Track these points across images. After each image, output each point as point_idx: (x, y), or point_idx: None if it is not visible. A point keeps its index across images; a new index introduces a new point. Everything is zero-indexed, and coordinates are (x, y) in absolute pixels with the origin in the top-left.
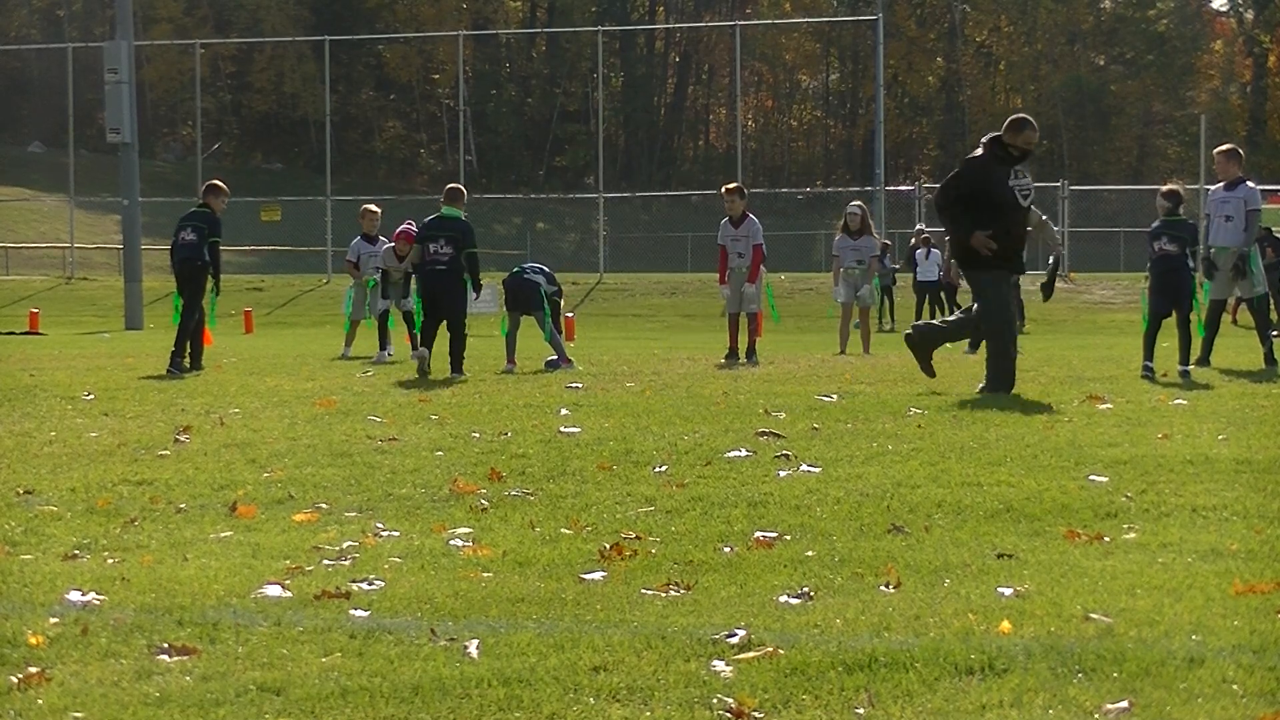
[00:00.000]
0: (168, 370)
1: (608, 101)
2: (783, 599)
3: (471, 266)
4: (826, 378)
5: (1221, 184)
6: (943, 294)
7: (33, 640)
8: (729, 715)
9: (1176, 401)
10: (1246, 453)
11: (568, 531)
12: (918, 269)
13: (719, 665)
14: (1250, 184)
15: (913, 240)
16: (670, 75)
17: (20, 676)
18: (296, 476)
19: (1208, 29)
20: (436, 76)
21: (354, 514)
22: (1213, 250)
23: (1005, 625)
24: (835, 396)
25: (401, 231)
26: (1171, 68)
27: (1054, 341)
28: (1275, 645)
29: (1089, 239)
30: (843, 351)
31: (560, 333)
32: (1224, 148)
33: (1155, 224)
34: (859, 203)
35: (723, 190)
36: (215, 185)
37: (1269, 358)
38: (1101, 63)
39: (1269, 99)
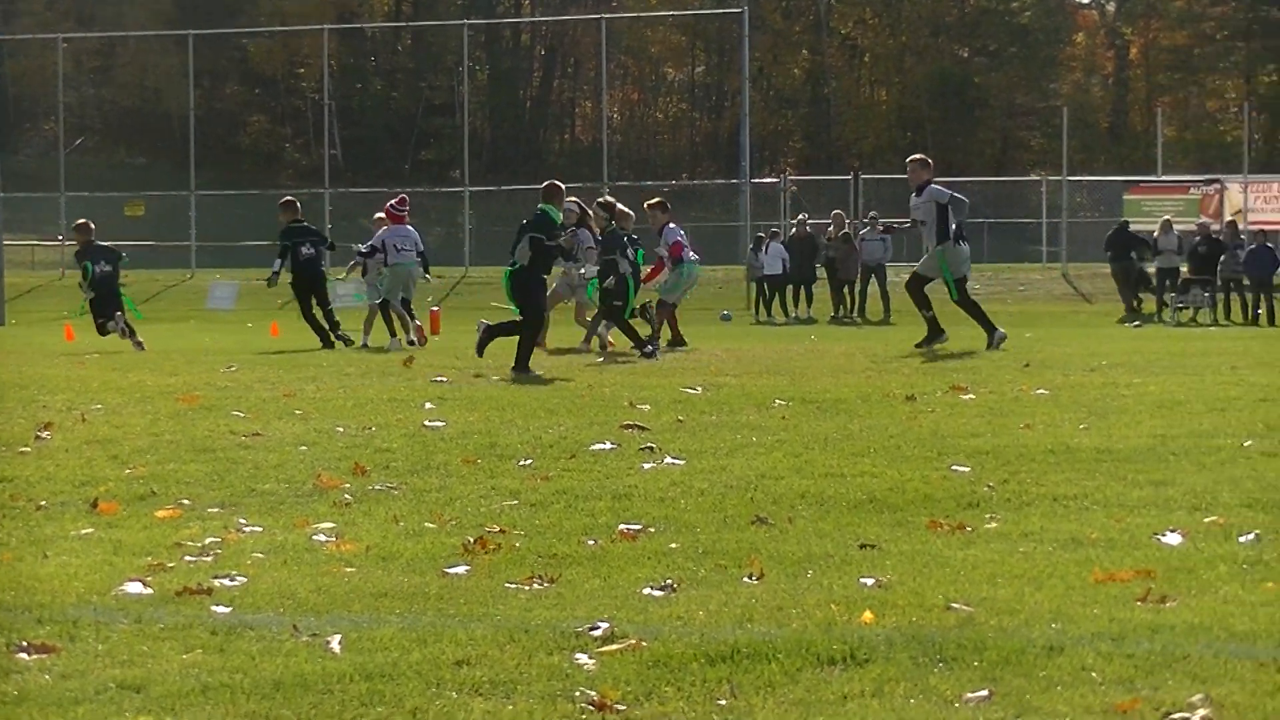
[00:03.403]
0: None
1: (474, 95)
2: (646, 591)
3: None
4: (691, 370)
5: (914, 192)
6: (790, 286)
7: None
8: (591, 708)
9: (1039, 391)
10: (1107, 442)
11: (432, 526)
12: (763, 263)
13: (582, 658)
14: (935, 184)
15: (761, 234)
16: (536, 69)
17: None
18: (159, 473)
19: (1070, 21)
20: (302, 70)
21: (217, 510)
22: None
23: (868, 615)
24: (700, 389)
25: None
26: (1035, 59)
27: (918, 332)
28: (1134, 633)
29: None
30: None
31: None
32: (913, 157)
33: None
34: (575, 199)
35: (645, 206)
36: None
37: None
38: (966, 55)
39: (1130, 90)
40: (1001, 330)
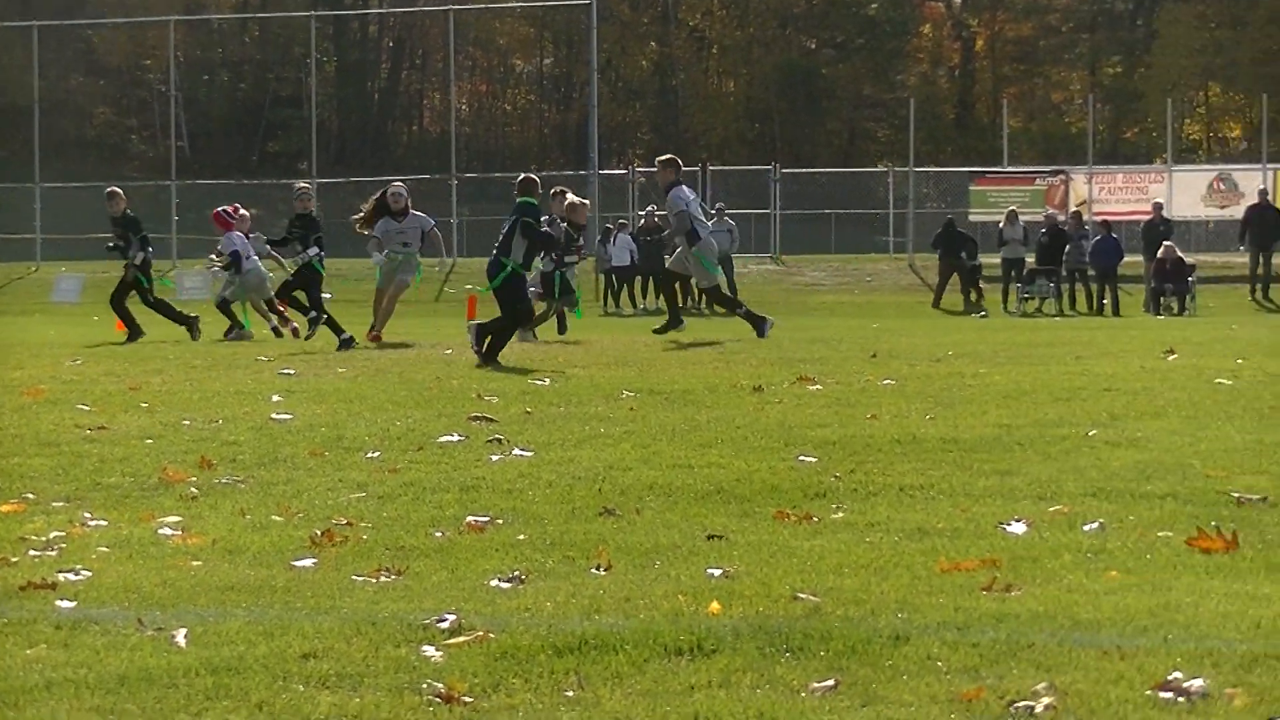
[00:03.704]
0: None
1: (321, 87)
2: (494, 583)
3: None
4: (539, 362)
5: (664, 191)
6: (638, 278)
7: None
8: (439, 700)
9: (885, 382)
10: (953, 432)
11: (278, 518)
12: (611, 254)
13: (429, 650)
14: (681, 188)
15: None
16: (384, 60)
17: None
18: (2, 467)
19: (917, 13)
20: (148, 62)
21: (61, 504)
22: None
23: (714, 606)
24: (548, 380)
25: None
26: (882, 51)
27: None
28: (979, 622)
29: (800, 221)
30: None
31: None
32: (661, 158)
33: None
34: (401, 185)
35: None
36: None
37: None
38: (813, 46)
39: (976, 82)
40: (771, 319)
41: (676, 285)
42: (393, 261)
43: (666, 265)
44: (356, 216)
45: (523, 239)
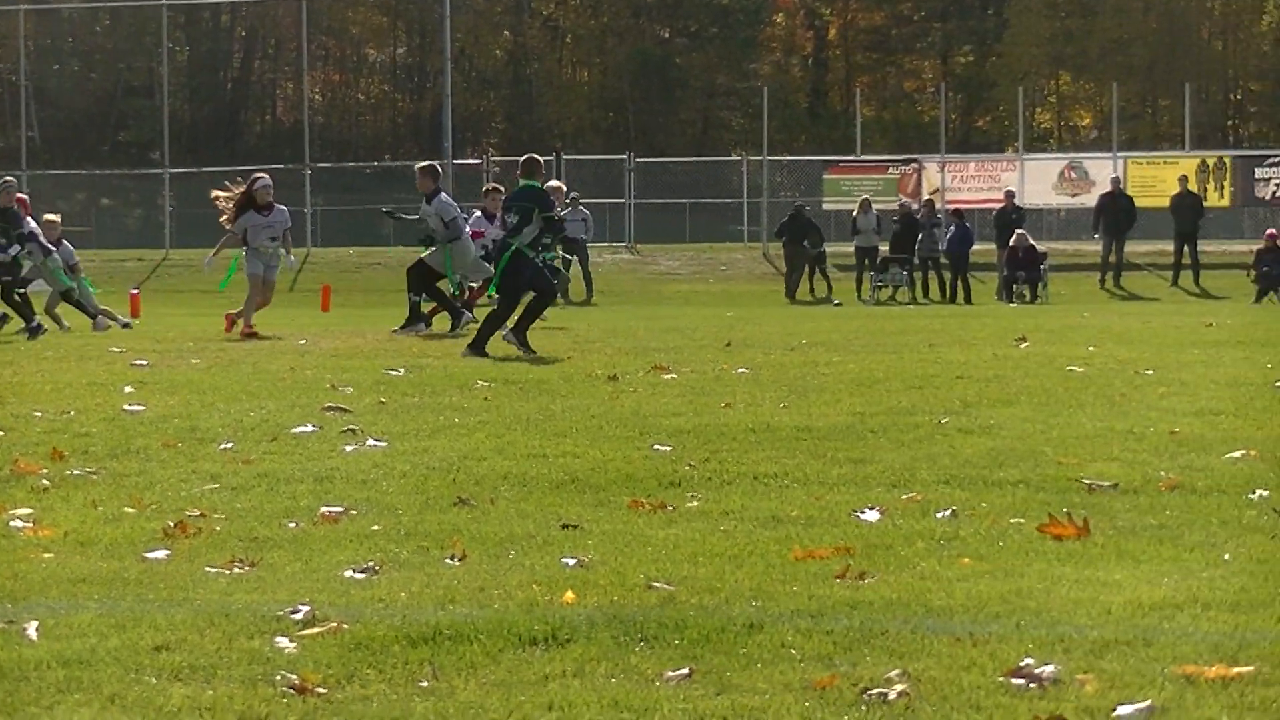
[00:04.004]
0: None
1: (173, 76)
2: (348, 574)
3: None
4: (394, 352)
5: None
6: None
7: None
8: (292, 692)
9: (739, 370)
10: (807, 420)
11: (131, 510)
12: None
13: (283, 642)
14: (443, 195)
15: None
16: (237, 50)
17: None
18: None
19: (770, 2)
20: None
21: None
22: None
23: (569, 595)
24: (402, 370)
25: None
26: (735, 40)
27: (620, 312)
28: (833, 609)
29: (655, 210)
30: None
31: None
32: (420, 165)
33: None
34: (267, 177)
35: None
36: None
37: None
38: (666, 35)
39: (830, 71)
40: (469, 314)
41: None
42: (264, 255)
43: (422, 257)
44: (224, 203)
45: (535, 227)
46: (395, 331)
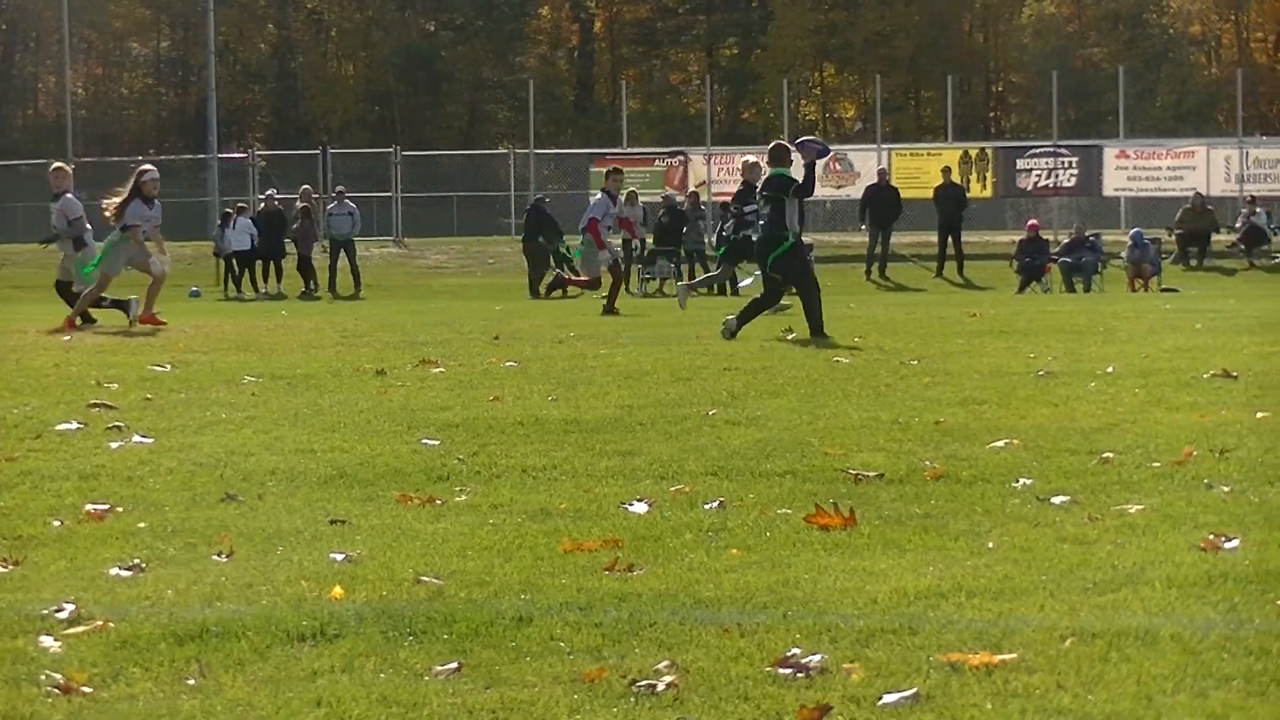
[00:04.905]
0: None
1: None
2: (114, 572)
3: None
4: (160, 348)
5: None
6: (259, 262)
7: None
8: (57, 691)
9: (508, 364)
10: (575, 413)
11: None
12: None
13: (47, 641)
14: (69, 196)
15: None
16: None
17: None
18: None
19: None
20: None
21: None
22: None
23: (338, 591)
24: (169, 366)
25: None
26: (500, 33)
27: (387, 306)
28: (602, 602)
29: (422, 204)
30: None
31: None
32: (54, 166)
33: None
34: (154, 170)
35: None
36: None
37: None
38: (432, 29)
39: (596, 63)
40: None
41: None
42: (134, 247)
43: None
44: (109, 203)
45: (794, 210)
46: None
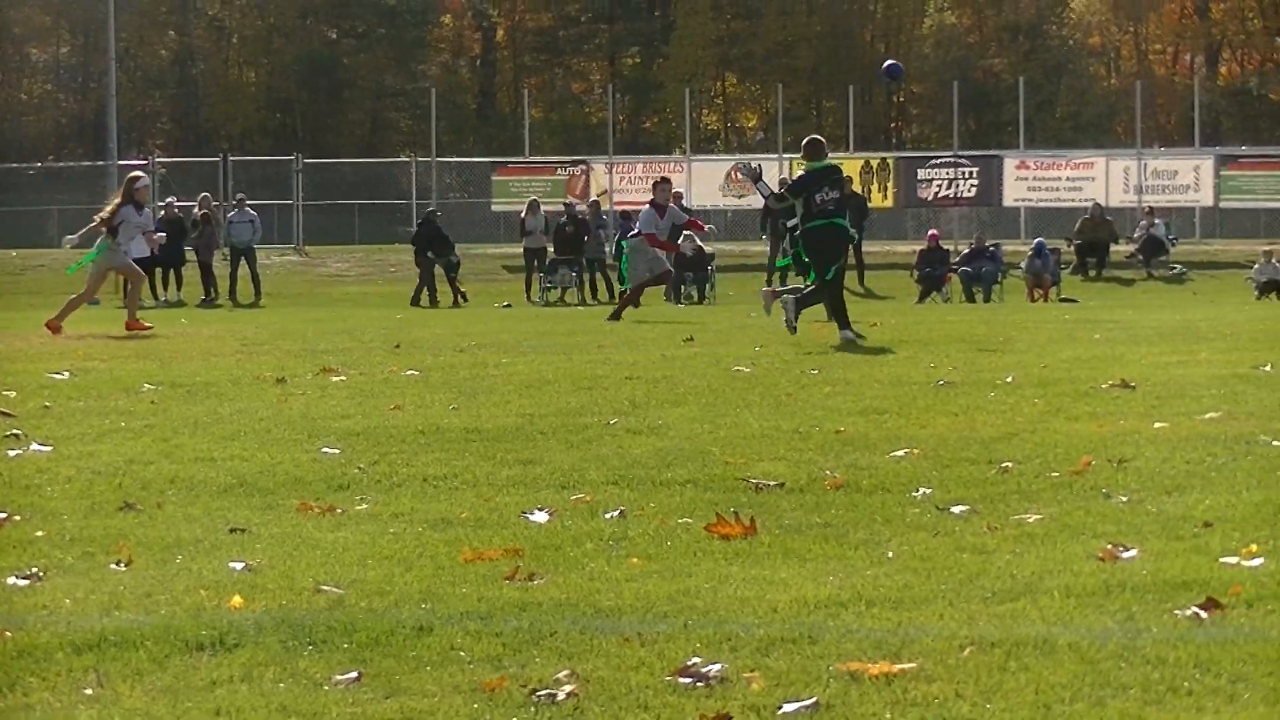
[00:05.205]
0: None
1: None
2: (11, 581)
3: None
4: (58, 355)
5: None
6: (159, 269)
7: None
8: None
9: (409, 372)
10: (476, 422)
11: None
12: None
13: None
14: None
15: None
16: None
17: None
18: None
19: (437, 3)
20: None
21: None
22: None
23: (237, 600)
24: (67, 374)
25: None
26: (403, 41)
27: (288, 315)
28: (502, 611)
29: (324, 212)
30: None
31: None
32: None
33: None
34: (146, 177)
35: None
36: None
37: None
38: (334, 36)
39: (498, 72)
40: None
41: None
42: (118, 252)
43: None
44: (103, 215)
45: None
46: None
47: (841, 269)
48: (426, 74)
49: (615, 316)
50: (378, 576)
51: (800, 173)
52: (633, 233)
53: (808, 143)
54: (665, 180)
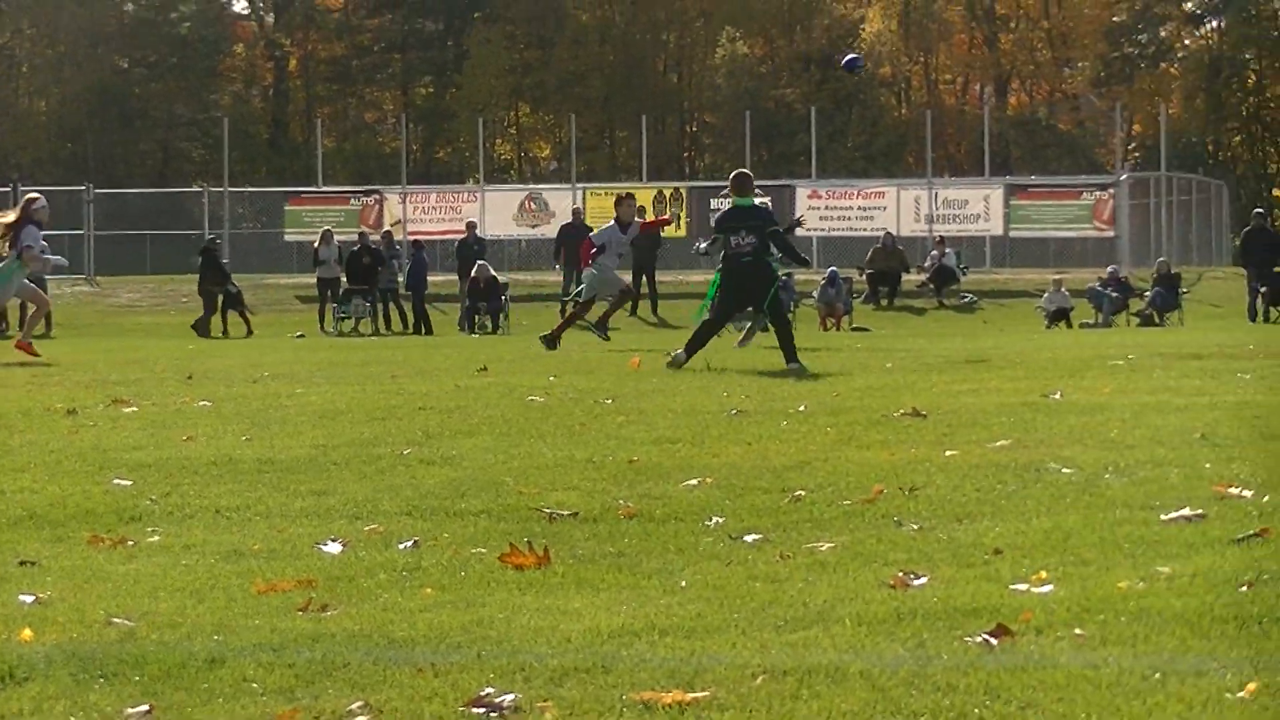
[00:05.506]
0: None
1: None
2: None
3: (783, 246)
4: None
5: None
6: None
7: None
8: None
9: (201, 403)
10: (269, 452)
11: None
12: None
13: None
14: None
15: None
16: None
17: None
18: None
19: (229, 32)
20: None
21: None
22: None
23: (26, 633)
24: None
25: None
26: (194, 70)
27: (79, 345)
28: (295, 642)
29: (115, 242)
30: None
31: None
32: None
33: None
34: (44, 199)
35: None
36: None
37: None
38: (125, 65)
39: (291, 101)
40: None
41: None
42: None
43: None
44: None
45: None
46: None
47: (776, 302)
48: (219, 103)
49: (601, 330)
50: (169, 608)
51: (723, 209)
52: (594, 249)
53: (733, 178)
54: (630, 196)
